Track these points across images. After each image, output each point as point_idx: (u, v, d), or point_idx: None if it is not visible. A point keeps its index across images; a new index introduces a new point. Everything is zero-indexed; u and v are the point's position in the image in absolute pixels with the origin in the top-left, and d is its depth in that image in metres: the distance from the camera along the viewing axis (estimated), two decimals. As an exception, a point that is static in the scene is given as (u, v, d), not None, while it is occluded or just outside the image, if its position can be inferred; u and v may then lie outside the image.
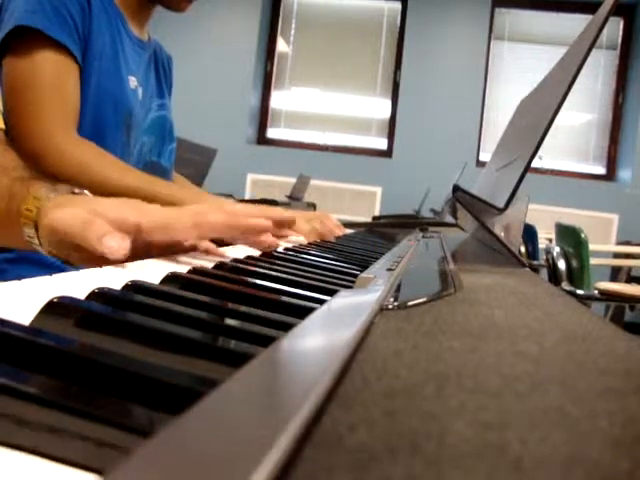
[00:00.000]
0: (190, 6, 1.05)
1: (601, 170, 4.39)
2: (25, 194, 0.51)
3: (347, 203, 4.33)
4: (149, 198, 0.69)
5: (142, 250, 0.49)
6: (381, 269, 0.44)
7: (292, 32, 4.69)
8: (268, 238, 0.58)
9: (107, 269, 0.39)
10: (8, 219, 0.52)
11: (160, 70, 1.14)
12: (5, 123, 0.82)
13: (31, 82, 0.87)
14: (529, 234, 3.04)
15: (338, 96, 4.62)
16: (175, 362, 0.23)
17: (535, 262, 2.97)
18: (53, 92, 0.87)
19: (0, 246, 0.65)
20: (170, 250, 0.54)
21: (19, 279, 0.32)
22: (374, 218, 2.82)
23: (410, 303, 0.30)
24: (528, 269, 0.57)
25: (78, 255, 0.45)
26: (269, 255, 0.58)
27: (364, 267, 0.49)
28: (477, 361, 0.20)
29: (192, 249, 0.55)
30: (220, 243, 0.58)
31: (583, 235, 2.27)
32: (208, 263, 0.46)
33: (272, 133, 4.69)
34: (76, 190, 0.52)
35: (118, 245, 0.40)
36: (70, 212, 0.44)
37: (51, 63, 0.87)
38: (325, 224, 0.93)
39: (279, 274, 0.44)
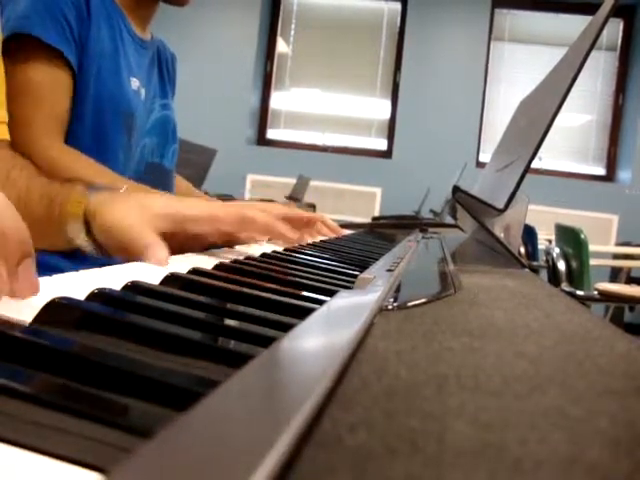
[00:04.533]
0: (191, 0, 1.05)
1: (601, 171, 4.40)
2: (66, 196, 0.54)
3: (347, 204, 4.33)
4: None
5: (186, 242, 0.54)
6: (381, 270, 0.44)
7: (292, 33, 4.69)
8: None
9: (107, 270, 0.39)
10: (49, 221, 0.55)
11: (164, 69, 1.14)
12: None
13: (20, 89, 0.87)
14: (529, 235, 3.04)
15: (338, 97, 4.62)
16: (175, 363, 0.23)
17: (535, 263, 2.97)
18: (40, 100, 0.87)
19: (38, 248, 0.68)
20: (201, 244, 0.59)
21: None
22: (374, 219, 2.82)
23: (410, 304, 0.30)
24: (528, 270, 0.57)
25: (125, 256, 0.49)
26: (269, 256, 0.58)
27: (364, 268, 0.49)
28: (477, 361, 0.20)
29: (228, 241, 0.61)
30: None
31: (583, 236, 2.27)
32: (208, 263, 0.46)
33: (272, 134, 4.69)
34: (115, 187, 0.56)
35: (160, 255, 0.45)
36: (139, 222, 0.49)
37: (41, 70, 0.88)
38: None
39: (278, 275, 0.44)
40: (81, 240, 0.53)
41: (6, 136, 0.75)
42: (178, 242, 0.54)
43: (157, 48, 1.12)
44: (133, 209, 0.50)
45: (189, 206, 0.53)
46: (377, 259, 0.58)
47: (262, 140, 4.67)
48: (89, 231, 0.52)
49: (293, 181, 3.73)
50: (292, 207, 0.99)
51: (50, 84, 0.88)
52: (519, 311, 0.32)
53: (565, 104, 0.53)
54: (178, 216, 0.51)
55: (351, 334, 0.21)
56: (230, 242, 0.64)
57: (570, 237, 2.37)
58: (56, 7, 0.87)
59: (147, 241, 0.46)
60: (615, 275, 3.60)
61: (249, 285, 0.39)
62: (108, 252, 0.53)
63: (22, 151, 0.85)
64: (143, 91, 1.03)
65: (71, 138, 0.92)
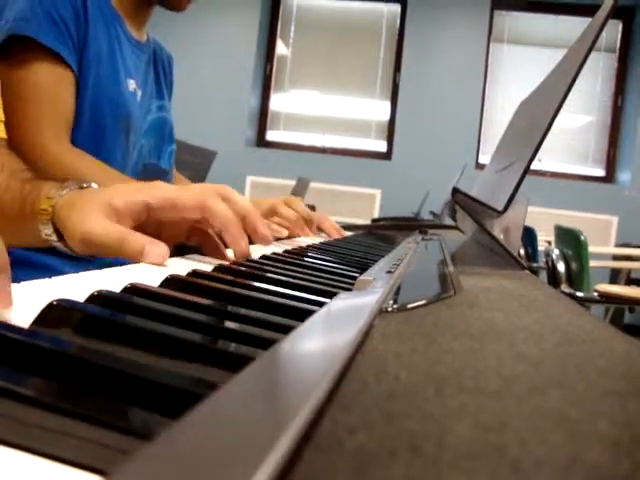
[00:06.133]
0: (190, 5, 1.05)
1: (600, 172, 4.40)
2: (37, 194, 0.54)
3: (346, 205, 4.33)
4: None
5: (153, 229, 0.52)
6: (380, 271, 0.44)
7: (291, 34, 4.69)
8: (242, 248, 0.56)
9: (106, 271, 0.39)
10: (23, 220, 0.55)
11: (160, 71, 1.14)
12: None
13: (25, 92, 0.87)
14: (528, 236, 3.04)
15: (337, 98, 4.62)
16: (175, 365, 0.23)
17: (534, 264, 2.97)
18: (47, 103, 0.87)
19: (16, 246, 0.69)
20: (179, 230, 0.57)
21: (18, 282, 0.32)
22: (373, 220, 2.82)
23: (409, 305, 0.30)
24: (527, 271, 0.57)
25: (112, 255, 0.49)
26: (268, 258, 0.58)
27: (363, 269, 0.50)
28: (477, 363, 0.20)
29: (198, 231, 0.57)
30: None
31: (582, 237, 2.27)
32: (207, 265, 0.46)
33: (271, 135, 4.69)
34: (84, 184, 0.54)
35: (158, 253, 0.45)
36: (100, 226, 0.47)
37: (45, 72, 0.88)
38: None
39: (278, 276, 0.44)
40: (56, 243, 0.53)
41: (2, 134, 0.75)
42: (150, 232, 0.53)
43: (153, 50, 1.12)
44: (94, 213, 0.48)
45: (151, 193, 0.50)
46: (377, 261, 0.58)
47: (262, 142, 4.67)
48: (61, 236, 0.52)
49: (293, 183, 3.73)
50: (290, 202, 0.99)
51: (55, 85, 0.89)
52: (519, 313, 0.32)
53: (564, 105, 0.53)
54: (140, 205, 0.49)
55: (351, 336, 0.21)
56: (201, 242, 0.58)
57: (570, 238, 2.37)
58: (54, 10, 0.87)
59: (135, 242, 0.46)
60: (615, 276, 3.60)
61: (249, 287, 0.39)
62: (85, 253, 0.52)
63: (29, 153, 0.85)
64: (139, 93, 1.03)
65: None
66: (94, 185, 0.55)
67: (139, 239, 0.46)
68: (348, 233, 1.20)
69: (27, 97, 0.87)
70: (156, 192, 0.50)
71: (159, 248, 0.45)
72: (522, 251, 2.98)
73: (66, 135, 0.90)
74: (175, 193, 0.50)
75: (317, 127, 4.62)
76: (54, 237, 0.52)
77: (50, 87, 0.88)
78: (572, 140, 4.38)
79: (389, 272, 0.43)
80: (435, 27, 4.40)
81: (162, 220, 0.52)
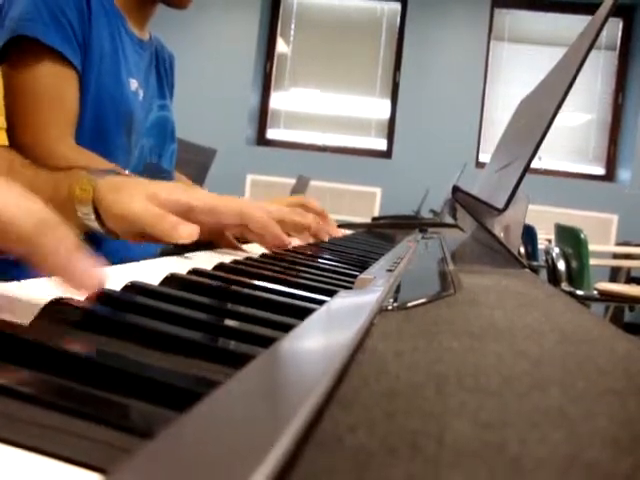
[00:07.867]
0: (191, 3, 1.05)
1: (600, 170, 4.40)
2: (76, 178, 0.56)
3: (347, 204, 4.33)
4: None
5: None
6: (381, 270, 0.44)
7: (292, 33, 4.69)
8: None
9: (107, 270, 0.39)
10: (57, 206, 0.56)
11: (161, 70, 1.14)
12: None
13: (30, 92, 0.87)
14: (529, 235, 3.04)
15: (337, 97, 4.62)
16: (175, 363, 0.23)
17: (535, 263, 2.97)
18: (52, 102, 0.87)
19: None
20: (213, 235, 0.63)
21: (19, 280, 0.32)
22: (374, 219, 2.82)
23: (410, 304, 0.30)
24: (528, 270, 0.57)
25: (143, 239, 0.53)
26: (268, 256, 0.58)
27: (363, 268, 0.49)
28: (477, 361, 0.20)
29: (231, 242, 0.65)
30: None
31: (582, 235, 2.27)
32: (207, 264, 0.46)
33: (272, 134, 4.69)
34: (121, 172, 0.59)
35: (190, 231, 0.48)
36: (141, 204, 0.51)
37: (50, 72, 0.87)
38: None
39: (278, 275, 0.44)
40: (91, 222, 0.55)
41: (4, 142, 0.75)
42: None
43: (155, 48, 1.12)
44: (138, 196, 0.51)
45: (194, 196, 0.54)
46: (377, 259, 0.58)
47: (262, 140, 4.67)
48: (98, 216, 0.54)
49: (293, 181, 3.73)
50: (304, 202, 1.02)
51: (60, 85, 0.89)
52: (519, 311, 0.32)
53: (565, 103, 0.53)
54: (183, 205, 0.53)
55: (351, 334, 0.21)
56: (217, 240, 0.66)
57: (570, 237, 2.37)
58: (58, 10, 0.87)
59: (170, 220, 0.48)
60: (615, 275, 3.60)
61: (249, 285, 0.39)
62: (120, 237, 0.55)
63: (34, 152, 0.85)
64: (141, 92, 1.03)
65: None
66: (128, 173, 0.59)
67: (173, 219, 0.49)
68: (348, 232, 1.20)
69: (32, 97, 0.87)
70: (199, 196, 0.55)
71: (189, 229, 0.48)
72: (522, 249, 2.98)
73: (71, 135, 0.90)
74: (215, 199, 0.55)
75: (317, 125, 4.62)
76: (92, 216, 0.54)
77: (55, 87, 0.88)
78: (572, 138, 4.38)
79: (389, 270, 0.43)
80: (435, 25, 4.39)
81: (196, 222, 0.55)
